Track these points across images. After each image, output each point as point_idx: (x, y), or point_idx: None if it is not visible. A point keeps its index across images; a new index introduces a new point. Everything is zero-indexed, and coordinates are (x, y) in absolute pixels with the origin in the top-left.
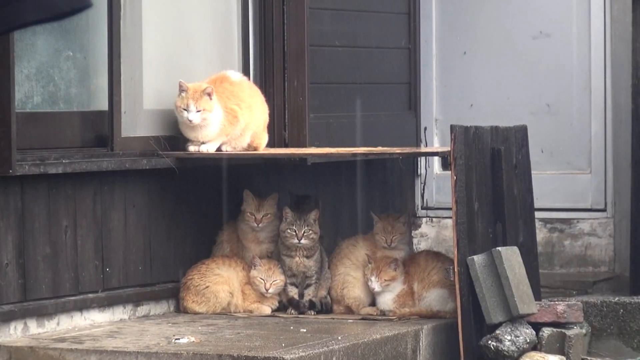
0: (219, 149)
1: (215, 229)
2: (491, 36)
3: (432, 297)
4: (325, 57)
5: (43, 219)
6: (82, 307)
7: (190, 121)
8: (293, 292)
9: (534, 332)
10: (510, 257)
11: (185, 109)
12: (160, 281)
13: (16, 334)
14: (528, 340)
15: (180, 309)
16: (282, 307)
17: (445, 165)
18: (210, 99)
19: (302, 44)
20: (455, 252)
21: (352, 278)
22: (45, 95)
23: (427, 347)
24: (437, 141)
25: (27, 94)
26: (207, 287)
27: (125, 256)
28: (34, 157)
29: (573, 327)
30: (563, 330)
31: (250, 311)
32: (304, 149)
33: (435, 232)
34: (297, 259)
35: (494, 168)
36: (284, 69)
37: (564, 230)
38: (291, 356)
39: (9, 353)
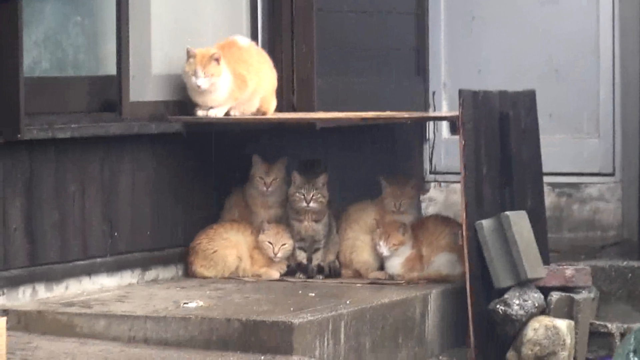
0: (227, 114)
1: (223, 194)
2: (499, 1)
3: (441, 262)
4: (333, 22)
5: (51, 184)
6: (90, 271)
7: (199, 87)
8: (301, 256)
9: (542, 297)
10: (519, 221)
11: (193, 75)
12: (169, 246)
13: (25, 298)
14: (536, 305)
15: (188, 274)
16: (290, 272)
17: (453, 129)
18: (218, 64)
19: (310, 9)
20: (464, 217)
21: (360, 242)
22: (54, 61)
23: (436, 311)
24: (445, 106)
25: (35, 59)
26: (216, 251)
27: (133, 221)
28: (42, 121)
29: (581, 292)
30: (571, 295)
31: (259, 275)
32: (312, 113)
33: (443, 197)
34: (305, 223)
35: (503, 133)
36: (292, 34)
37: (572, 195)
38: (299, 320)
39: (17, 317)
